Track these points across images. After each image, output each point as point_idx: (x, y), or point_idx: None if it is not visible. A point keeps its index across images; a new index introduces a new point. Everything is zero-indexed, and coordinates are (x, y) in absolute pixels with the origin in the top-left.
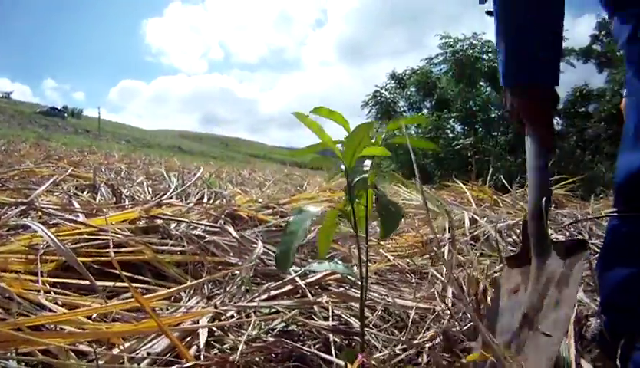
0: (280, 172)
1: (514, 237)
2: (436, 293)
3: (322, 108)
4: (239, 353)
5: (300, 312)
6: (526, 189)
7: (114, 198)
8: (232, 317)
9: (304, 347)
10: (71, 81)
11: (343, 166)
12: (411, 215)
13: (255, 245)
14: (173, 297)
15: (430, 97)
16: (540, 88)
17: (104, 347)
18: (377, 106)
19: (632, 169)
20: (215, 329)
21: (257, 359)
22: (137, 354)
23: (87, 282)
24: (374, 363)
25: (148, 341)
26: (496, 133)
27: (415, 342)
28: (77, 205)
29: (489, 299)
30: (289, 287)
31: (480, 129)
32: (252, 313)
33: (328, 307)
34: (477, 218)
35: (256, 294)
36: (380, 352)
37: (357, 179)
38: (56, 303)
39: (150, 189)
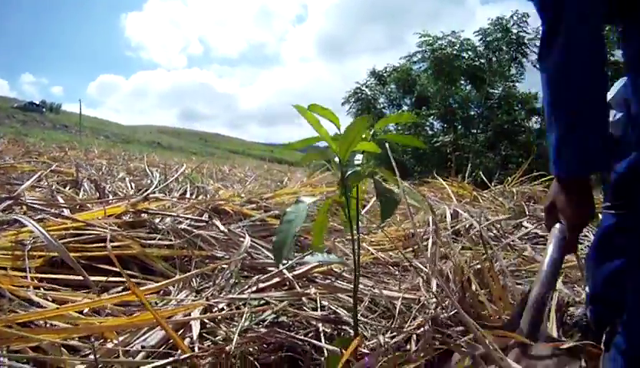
0: (260, 168)
1: (494, 231)
2: (420, 283)
3: (315, 105)
4: (233, 343)
5: (289, 304)
6: (505, 186)
7: (97, 194)
8: (223, 309)
9: (296, 337)
10: (49, 76)
11: (337, 159)
12: None
13: (242, 239)
14: (162, 291)
15: (410, 94)
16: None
17: (98, 342)
18: (358, 102)
19: (621, 168)
20: (207, 321)
21: (251, 349)
22: (132, 347)
23: (76, 277)
24: (364, 350)
25: (141, 334)
26: (475, 131)
27: (404, 330)
28: (61, 201)
29: (473, 287)
30: (277, 279)
31: (460, 126)
32: (243, 306)
33: (317, 298)
34: (460, 211)
35: (246, 287)
36: (369, 340)
37: (350, 171)
38: (46, 299)
39: (132, 185)
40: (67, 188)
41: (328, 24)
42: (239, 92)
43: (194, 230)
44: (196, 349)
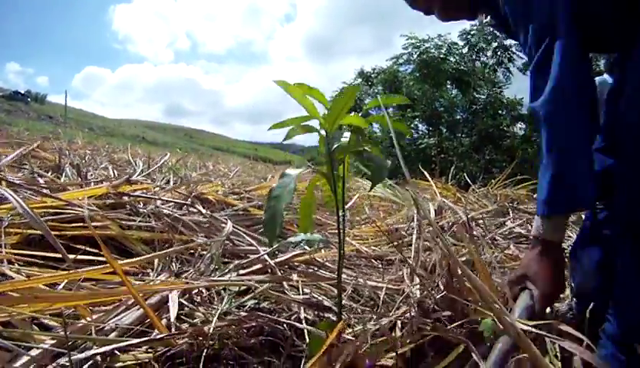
0: (244, 165)
1: (478, 230)
2: (405, 275)
3: (303, 84)
4: (212, 325)
5: (270, 290)
6: (488, 188)
7: (79, 179)
8: (202, 292)
9: (278, 319)
10: (35, 65)
11: (323, 132)
12: (375, 206)
13: (224, 225)
14: (140, 274)
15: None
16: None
17: (70, 320)
18: None
19: (604, 165)
20: (185, 303)
21: (230, 332)
22: (106, 326)
23: (53, 254)
24: (349, 337)
25: (117, 314)
26: (460, 135)
27: (389, 316)
28: (42, 182)
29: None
30: (259, 265)
31: (445, 130)
32: (223, 291)
33: (298, 286)
34: (448, 203)
35: (226, 271)
36: (353, 328)
37: (337, 144)
38: (19, 274)
39: (115, 172)
40: (50, 173)
41: (317, 24)
42: (225, 89)
43: (176, 214)
44: (173, 329)
